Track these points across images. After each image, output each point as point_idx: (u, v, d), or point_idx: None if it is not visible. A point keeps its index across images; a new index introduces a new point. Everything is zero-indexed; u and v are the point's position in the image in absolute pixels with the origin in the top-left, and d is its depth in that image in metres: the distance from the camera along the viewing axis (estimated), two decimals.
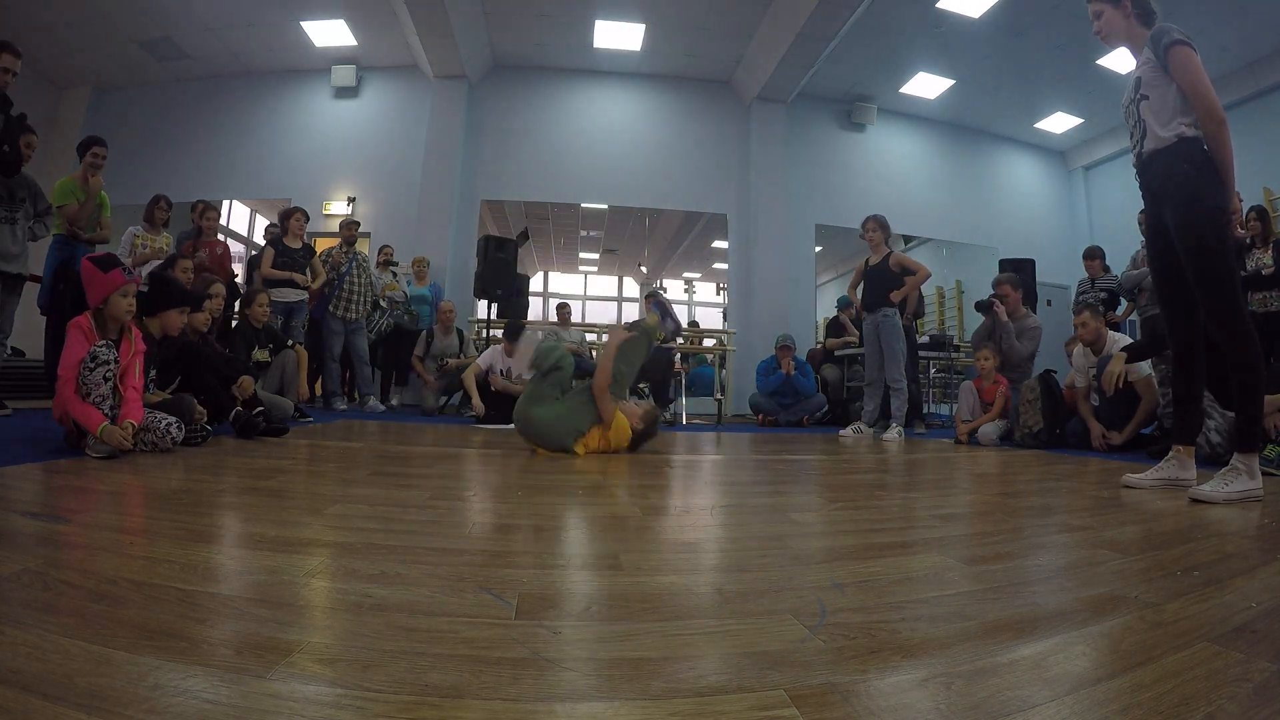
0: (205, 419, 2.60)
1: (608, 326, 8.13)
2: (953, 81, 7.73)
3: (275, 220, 5.36)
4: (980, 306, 4.60)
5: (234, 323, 4.59)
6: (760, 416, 5.93)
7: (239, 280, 5.60)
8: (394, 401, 6.12)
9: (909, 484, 2.34)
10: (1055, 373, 4.06)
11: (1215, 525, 1.51)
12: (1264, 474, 1.91)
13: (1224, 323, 1.88)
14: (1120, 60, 6.94)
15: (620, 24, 6.97)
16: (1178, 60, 1.89)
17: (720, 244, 8.37)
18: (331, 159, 7.63)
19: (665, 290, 8.33)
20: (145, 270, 4.09)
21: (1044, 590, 0.97)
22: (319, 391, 5.81)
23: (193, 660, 0.61)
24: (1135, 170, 2.10)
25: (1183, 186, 1.91)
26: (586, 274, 10.42)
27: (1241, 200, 3.27)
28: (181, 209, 5.21)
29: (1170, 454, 2.09)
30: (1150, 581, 1.00)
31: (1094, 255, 5.37)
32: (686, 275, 10.11)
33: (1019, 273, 5.70)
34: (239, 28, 6.98)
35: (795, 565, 1.06)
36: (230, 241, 7.01)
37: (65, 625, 0.68)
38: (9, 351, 3.64)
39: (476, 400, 4.66)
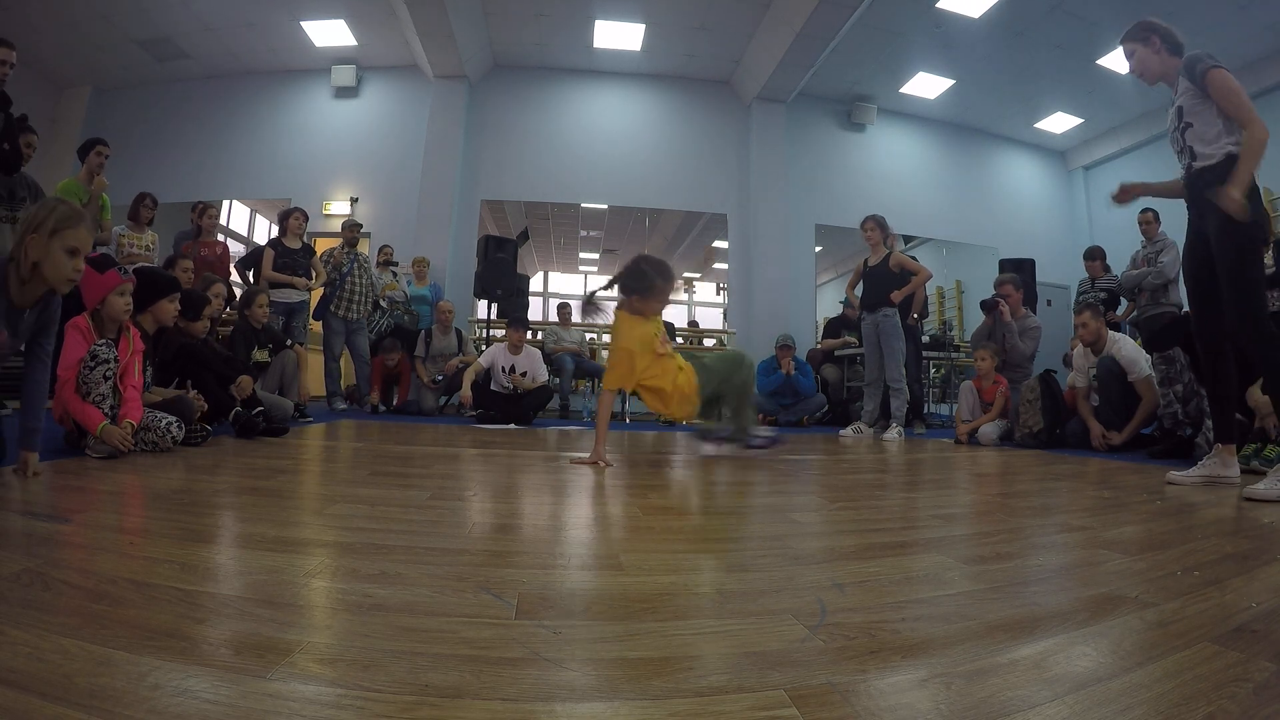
0: (202, 413, 2.59)
1: (606, 327, 8.13)
2: (953, 81, 7.73)
3: (275, 221, 5.34)
4: (985, 306, 4.63)
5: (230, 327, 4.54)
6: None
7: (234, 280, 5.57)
8: (394, 401, 6.11)
9: (909, 484, 2.34)
10: (1055, 373, 4.06)
11: (1215, 525, 1.51)
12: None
13: (1246, 328, 1.97)
14: (1120, 61, 6.92)
15: (620, 24, 6.97)
16: (1216, 84, 2.01)
17: (720, 244, 8.37)
18: (331, 159, 7.63)
19: None
20: (133, 268, 4.06)
21: (1044, 590, 0.97)
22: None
23: (193, 660, 0.61)
24: (1184, 186, 2.21)
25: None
26: (586, 274, 10.43)
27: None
28: (168, 209, 5.18)
29: (1213, 451, 2.15)
30: (1150, 581, 1.00)
31: (1095, 256, 5.37)
32: (686, 275, 10.11)
33: (1019, 272, 5.72)
34: (239, 28, 6.98)
35: (795, 565, 1.06)
36: (230, 241, 7.01)
37: (65, 625, 0.68)
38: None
39: (466, 390, 4.61)
